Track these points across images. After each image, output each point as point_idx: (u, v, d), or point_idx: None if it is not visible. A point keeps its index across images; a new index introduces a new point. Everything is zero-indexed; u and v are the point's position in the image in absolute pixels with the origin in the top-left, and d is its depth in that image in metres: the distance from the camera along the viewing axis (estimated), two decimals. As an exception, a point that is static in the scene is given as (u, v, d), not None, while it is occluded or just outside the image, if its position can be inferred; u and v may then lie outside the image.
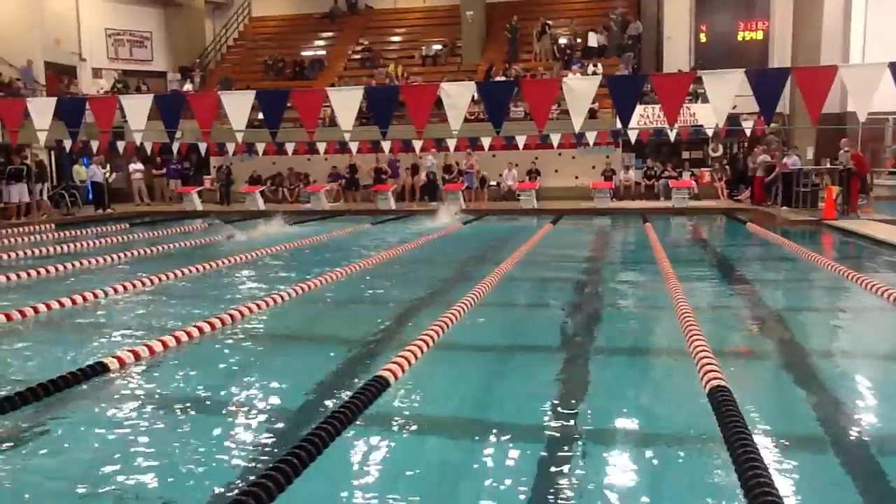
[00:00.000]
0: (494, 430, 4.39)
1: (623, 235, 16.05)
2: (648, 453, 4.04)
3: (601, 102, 20.75)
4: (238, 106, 10.99)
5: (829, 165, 17.47)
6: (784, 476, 3.67)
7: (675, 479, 3.75)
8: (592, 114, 20.91)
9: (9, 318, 7.17)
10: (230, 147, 21.87)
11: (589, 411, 4.67)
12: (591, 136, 20.60)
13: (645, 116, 21.75)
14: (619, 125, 17.78)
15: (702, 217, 18.85)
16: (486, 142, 20.92)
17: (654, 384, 5.43)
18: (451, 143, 20.46)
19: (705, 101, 15.82)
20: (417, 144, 21.16)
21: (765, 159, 19.14)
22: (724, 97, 9.60)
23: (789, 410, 4.80)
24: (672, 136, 19.60)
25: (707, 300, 8.38)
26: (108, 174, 22.64)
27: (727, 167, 22.75)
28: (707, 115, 17.83)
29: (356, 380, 5.21)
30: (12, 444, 4.26)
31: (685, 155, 23.94)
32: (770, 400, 5.04)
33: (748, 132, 20.62)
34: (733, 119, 18.86)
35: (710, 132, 20.74)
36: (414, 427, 4.49)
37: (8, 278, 9.67)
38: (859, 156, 16.79)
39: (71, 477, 3.86)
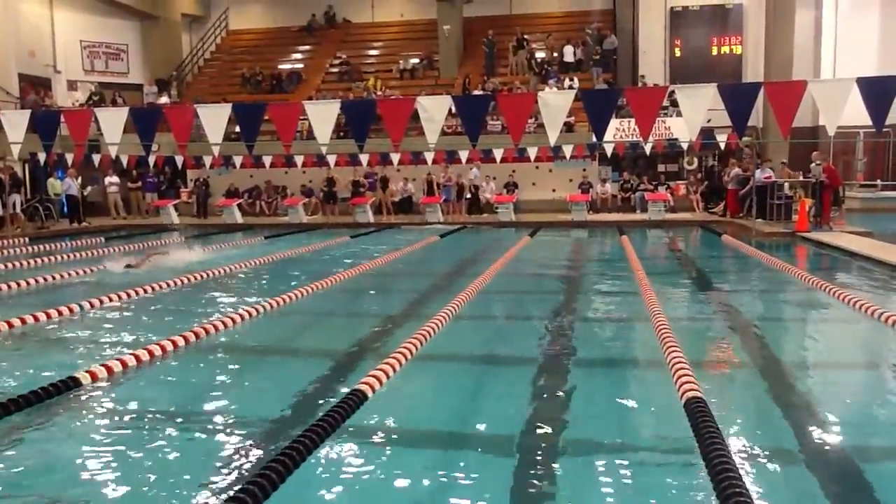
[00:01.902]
0: (472, 443, 4.40)
1: (600, 248, 16.15)
2: (625, 464, 4.06)
3: (577, 116, 20.92)
4: (215, 119, 10.97)
5: (801, 178, 17.71)
6: (759, 486, 3.70)
7: (652, 490, 3.77)
8: (569, 127, 21.10)
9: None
10: (207, 160, 21.76)
11: (566, 423, 4.69)
12: (567, 150, 20.74)
13: (621, 130, 21.96)
14: (594, 138, 17.95)
15: (678, 229, 19.01)
16: (463, 155, 20.99)
17: (631, 395, 5.46)
18: (429, 157, 20.53)
19: (680, 114, 16.05)
20: (395, 157, 21.21)
21: (738, 172, 19.37)
22: (697, 111, 9.73)
23: (764, 421, 4.85)
24: (648, 149, 19.77)
25: (683, 312, 8.45)
26: (80, 187, 22.40)
27: (704, 180, 22.98)
28: (682, 129, 18.03)
29: (334, 393, 5.20)
30: (-16, 460, 4.21)
31: (661, 168, 24.17)
32: (745, 410, 5.09)
33: (722, 145, 20.87)
34: (707, 133, 19.08)
35: (685, 145, 20.97)
36: (392, 440, 4.48)
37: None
38: (832, 169, 17.04)
39: (41, 492, 3.82)
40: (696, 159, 23.78)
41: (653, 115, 10.29)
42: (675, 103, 17.86)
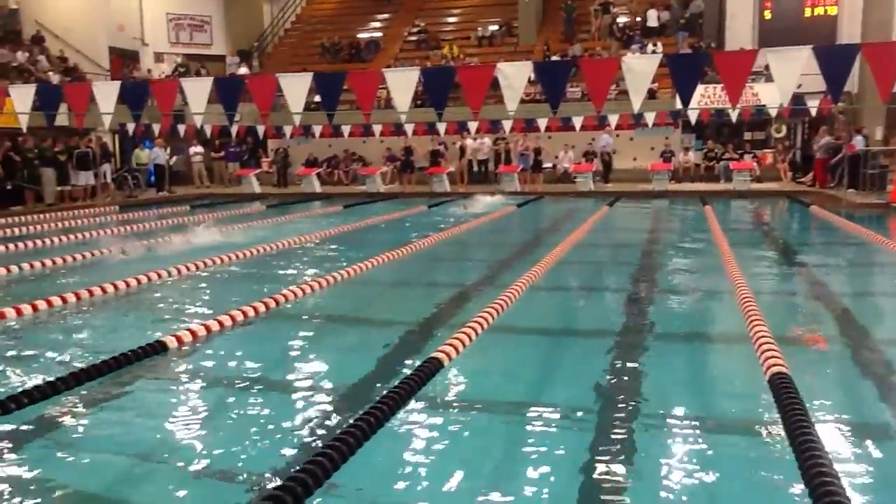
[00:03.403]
0: (546, 414, 4.36)
1: (682, 218, 15.77)
2: (705, 440, 3.96)
3: (661, 82, 20.36)
4: (296, 88, 11.10)
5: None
6: (845, 465, 3.56)
7: (733, 467, 3.67)
8: (652, 94, 20.53)
9: (78, 297, 7.38)
10: (287, 130, 22.11)
11: (643, 396, 4.59)
12: (650, 117, 20.24)
13: (706, 96, 21.22)
14: (678, 105, 17.40)
15: (763, 200, 18.39)
16: (542, 123, 20.73)
17: (712, 370, 5.33)
18: (507, 125, 20.34)
19: (769, 80, 15.40)
20: (473, 126, 21.10)
21: (828, 141, 18.54)
22: (789, 76, 9.31)
23: (852, 399, 4.66)
24: (734, 116, 19.11)
25: (768, 285, 8.18)
26: (168, 157, 23.12)
27: (798, 149, 22.05)
28: (770, 95, 17.33)
29: (409, 361, 5.23)
30: (75, 417, 4.40)
31: (747, 136, 23.35)
32: (832, 388, 4.90)
33: (813, 112, 19.99)
34: (798, 98, 18.28)
35: (773, 112, 20.16)
36: (466, 409, 4.48)
37: (74, 259, 9.96)
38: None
39: (129, 448, 3.97)
40: (784, 127, 22.87)
41: (742, 81, 9.87)
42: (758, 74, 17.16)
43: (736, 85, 9.80)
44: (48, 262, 9.54)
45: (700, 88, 20.11)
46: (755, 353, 5.06)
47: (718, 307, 7.31)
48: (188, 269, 8.99)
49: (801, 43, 10.08)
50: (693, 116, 20.90)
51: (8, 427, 4.12)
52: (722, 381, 5.04)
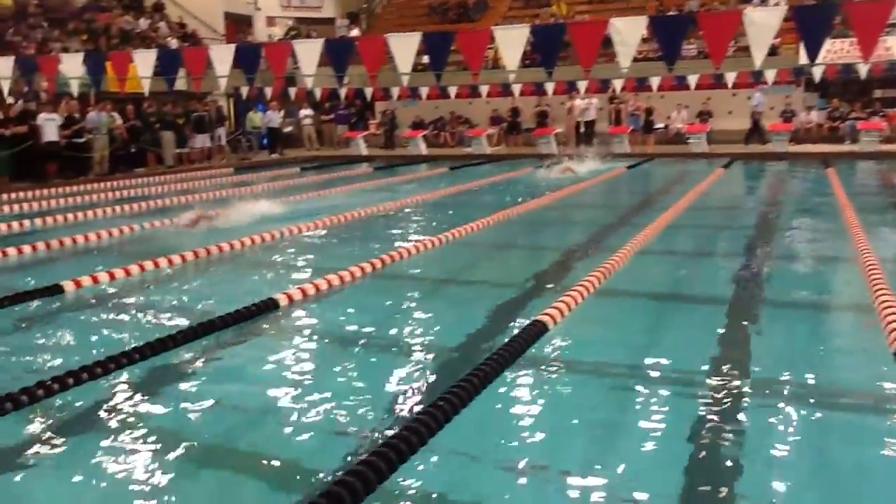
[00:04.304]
0: (652, 380, 4.25)
1: (802, 181, 15.00)
2: (821, 413, 3.78)
3: (783, 37, 19.28)
4: (404, 49, 11.09)
5: None
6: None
7: (851, 443, 3.49)
8: (772, 50, 19.49)
9: (196, 255, 7.71)
10: (394, 92, 22.23)
11: (756, 365, 4.41)
12: (770, 75, 19.24)
13: (832, 51, 19.95)
14: (801, 61, 16.47)
15: (893, 162, 17.23)
16: (654, 82, 20.05)
17: (832, 340, 5.08)
18: (618, 85, 19.78)
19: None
20: (582, 85, 20.61)
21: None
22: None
23: None
24: (863, 72, 17.90)
25: (896, 252, 7.69)
26: (282, 120, 23.70)
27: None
28: (905, 49, 16.16)
29: (514, 323, 5.20)
30: (191, 370, 4.60)
31: (877, 94, 21.87)
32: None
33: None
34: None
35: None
36: (570, 373, 4.42)
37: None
38: None
39: (241, 400, 4.14)
40: (921, 83, 21.30)
41: (877, 33, 9.19)
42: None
43: (870, 38, 9.14)
44: (167, 222, 9.97)
45: (826, 43, 18.94)
46: (880, 324, 4.78)
47: (840, 275, 6.94)
48: (299, 229, 9.23)
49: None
50: (818, 73, 19.73)
51: (129, 377, 4.35)
52: (841, 352, 4.78)
